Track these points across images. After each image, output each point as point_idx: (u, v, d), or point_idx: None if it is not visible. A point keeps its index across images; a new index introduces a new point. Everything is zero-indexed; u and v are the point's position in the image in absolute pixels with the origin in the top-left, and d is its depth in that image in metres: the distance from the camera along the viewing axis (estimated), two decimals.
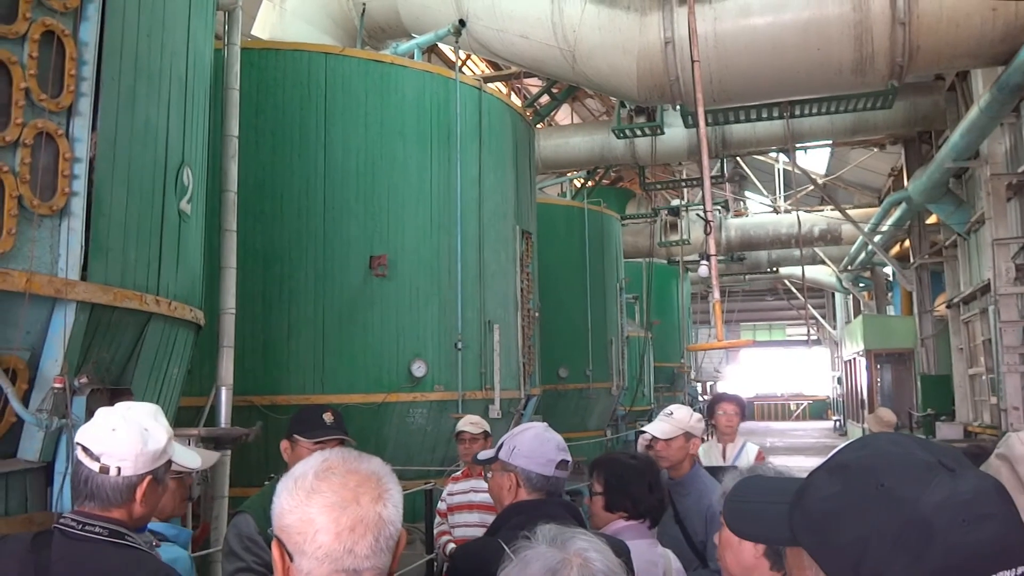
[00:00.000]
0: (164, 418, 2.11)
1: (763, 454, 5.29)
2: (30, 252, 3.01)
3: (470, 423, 5.27)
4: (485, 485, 2.90)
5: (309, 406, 3.29)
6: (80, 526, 1.95)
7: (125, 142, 3.50)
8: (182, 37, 4.07)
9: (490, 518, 2.98)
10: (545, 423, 2.66)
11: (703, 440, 4.29)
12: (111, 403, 3.54)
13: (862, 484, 1.00)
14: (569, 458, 2.53)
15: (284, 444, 3.19)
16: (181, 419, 4.78)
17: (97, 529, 1.95)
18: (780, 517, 1.10)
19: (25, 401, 3.07)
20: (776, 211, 25.17)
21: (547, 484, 2.46)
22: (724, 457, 5.18)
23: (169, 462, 2.10)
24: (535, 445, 2.49)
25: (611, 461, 2.91)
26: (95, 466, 1.97)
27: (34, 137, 3.03)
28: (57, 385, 3.02)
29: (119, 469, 1.97)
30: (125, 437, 1.99)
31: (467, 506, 5.04)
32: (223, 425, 5.35)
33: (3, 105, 2.97)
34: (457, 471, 5.46)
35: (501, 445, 2.56)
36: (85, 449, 1.99)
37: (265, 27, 11.68)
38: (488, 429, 5.34)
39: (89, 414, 3.19)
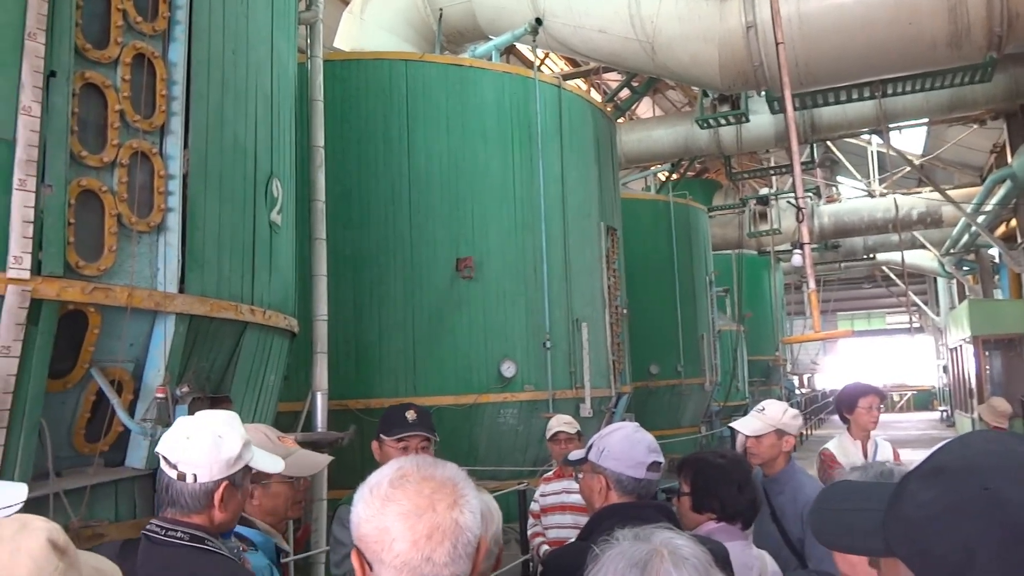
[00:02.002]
0: (240, 425, 2.15)
1: (897, 452, 4.85)
2: (130, 267, 3.12)
3: (565, 423, 5.22)
4: (577, 486, 2.87)
5: (395, 406, 3.32)
6: (163, 531, 2.01)
7: (216, 157, 3.60)
8: (266, 53, 4.17)
9: (583, 519, 2.95)
10: (636, 423, 2.60)
11: (799, 437, 4.07)
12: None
13: (963, 488, 0.92)
14: (661, 459, 2.46)
15: (374, 445, 3.24)
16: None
17: (179, 534, 2.01)
18: (872, 526, 1.03)
19: (131, 411, 3.20)
20: (871, 195, 24.26)
21: (638, 487, 2.41)
22: (866, 455, 4.68)
23: (248, 468, 2.14)
24: (625, 447, 2.44)
25: (697, 461, 2.82)
26: (173, 473, 2.03)
27: (130, 157, 3.15)
28: (160, 395, 3.13)
29: (195, 476, 2.02)
30: (199, 445, 2.04)
31: (560, 507, 5.00)
32: (319, 429, 5.47)
33: (99, 127, 3.09)
34: (549, 471, 5.43)
35: (591, 446, 2.52)
36: (164, 458, 2.05)
37: (346, 38, 11.91)
38: (580, 429, 5.30)
39: None
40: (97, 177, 3.05)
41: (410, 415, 3.19)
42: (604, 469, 2.44)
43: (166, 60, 3.37)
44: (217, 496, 2.04)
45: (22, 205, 2.72)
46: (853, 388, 4.89)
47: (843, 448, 4.71)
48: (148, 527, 2.03)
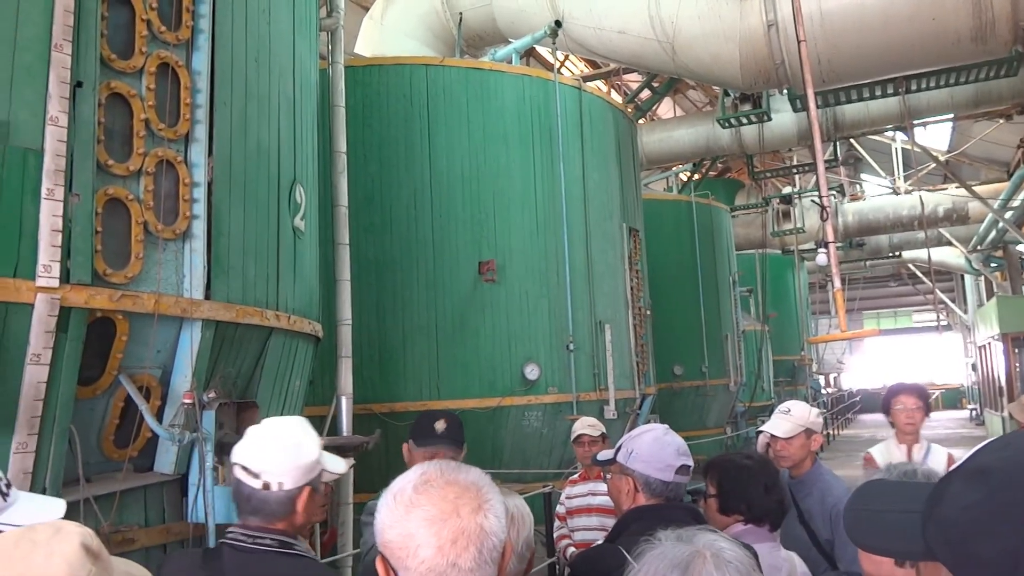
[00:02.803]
0: (312, 429, 2.18)
1: (953, 458, 4.36)
2: (157, 275, 3.16)
3: (588, 425, 5.21)
4: (604, 487, 2.86)
5: (427, 412, 3.32)
6: (251, 539, 2.04)
7: (240, 164, 3.63)
8: (288, 60, 4.20)
9: (610, 521, 2.94)
10: (666, 425, 2.58)
11: (825, 438, 3.97)
12: (238, 416, 3.70)
13: (1009, 489, 0.89)
14: (691, 463, 2.45)
15: (404, 447, 3.22)
16: None
17: (267, 541, 2.04)
18: (911, 528, 0.99)
19: (158, 417, 3.23)
20: (896, 192, 24.02)
21: (666, 489, 2.39)
22: (911, 460, 4.27)
23: (322, 471, 2.17)
24: (654, 449, 2.42)
25: (724, 462, 2.80)
26: (257, 483, 2.05)
27: (155, 165, 3.19)
28: (187, 400, 3.16)
29: (280, 484, 2.05)
30: (281, 454, 2.07)
31: (586, 509, 4.99)
32: (345, 433, 5.50)
33: (125, 136, 3.13)
34: (575, 474, 5.42)
35: (620, 447, 2.51)
36: (245, 468, 2.07)
37: (367, 44, 11.97)
38: (605, 431, 5.28)
39: (218, 427, 3.34)
40: (123, 185, 3.09)
41: (439, 425, 3.17)
42: (632, 471, 2.43)
43: (190, 69, 3.40)
44: (300, 502, 2.07)
45: (50, 214, 2.75)
46: (892, 387, 4.62)
47: (887, 452, 4.46)
48: (231, 535, 2.06)
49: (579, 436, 5.18)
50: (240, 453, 2.10)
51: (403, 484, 1.35)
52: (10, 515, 1.81)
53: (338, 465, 2.25)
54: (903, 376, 40.74)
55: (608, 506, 4.04)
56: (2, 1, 2.72)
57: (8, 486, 1.85)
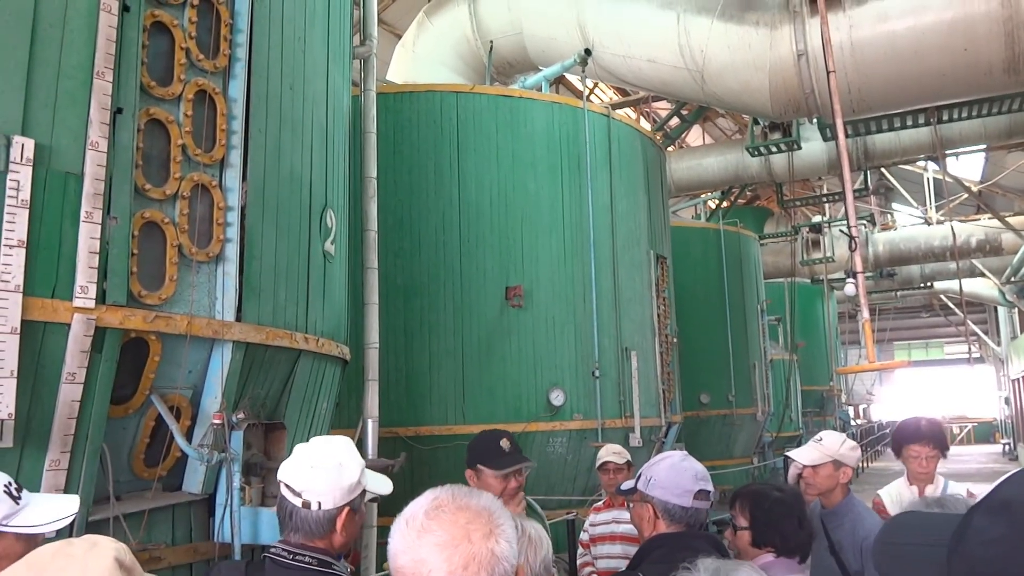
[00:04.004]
0: (356, 451, 2.22)
1: (972, 495, 3.93)
2: (190, 296, 3.22)
3: (613, 453, 5.19)
4: (627, 515, 2.86)
5: (484, 433, 3.29)
6: (291, 556, 2.10)
7: (273, 189, 3.70)
8: (322, 87, 4.28)
9: (633, 549, 2.93)
10: (684, 452, 2.59)
11: (856, 470, 3.87)
12: (266, 438, 3.74)
13: None
14: (710, 488, 2.45)
15: (468, 473, 3.18)
16: None
17: (307, 559, 2.10)
18: (937, 562, 0.99)
19: (188, 437, 3.27)
20: (928, 223, 23.80)
21: (686, 515, 2.39)
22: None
23: (363, 492, 2.21)
24: (672, 475, 2.43)
25: (756, 494, 2.78)
26: (298, 501, 2.12)
27: (191, 189, 3.26)
28: (217, 421, 3.20)
29: (320, 504, 2.11)
30: (323, 474, 2.13)
31: (609, 537, 4.96)
32: (370, 456, 5.52)
33: (162, 161, 3.21)
34: (599, 501, 5.40)
35: (640, 475, 2.52)
36: (288, 486, 2.13)
37: (399, 70, 12.14)
38: (630, 458, 5.26)
39: (246, 448, 3.38)
40: (160, 209, 3.16)
41: (505, 444, 3.15)
42: (652, 498, 2.44)
43: (226, 96, 3.48)
44: (340, 521, 2.13)
45: (88, 236, 2.82)
46: (903, 429, 4.28)
47: (897, 496, 4.23)
48: (273, 551, 2.13)
49: (604, 463, 5.16)
50: (285, 471, 2.17)
51: (415, 509, 1.36)
52: (25, 516, 1.86)
53: (382, 486, 2.29)
54: (928, 408, 40.02)
55: (632, 534, 4.03)
56: (47, 29, 2.81)
57: (19, 490, 1.90)
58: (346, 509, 2.13)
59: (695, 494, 2.41)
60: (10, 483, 1.90)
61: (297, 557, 2.09)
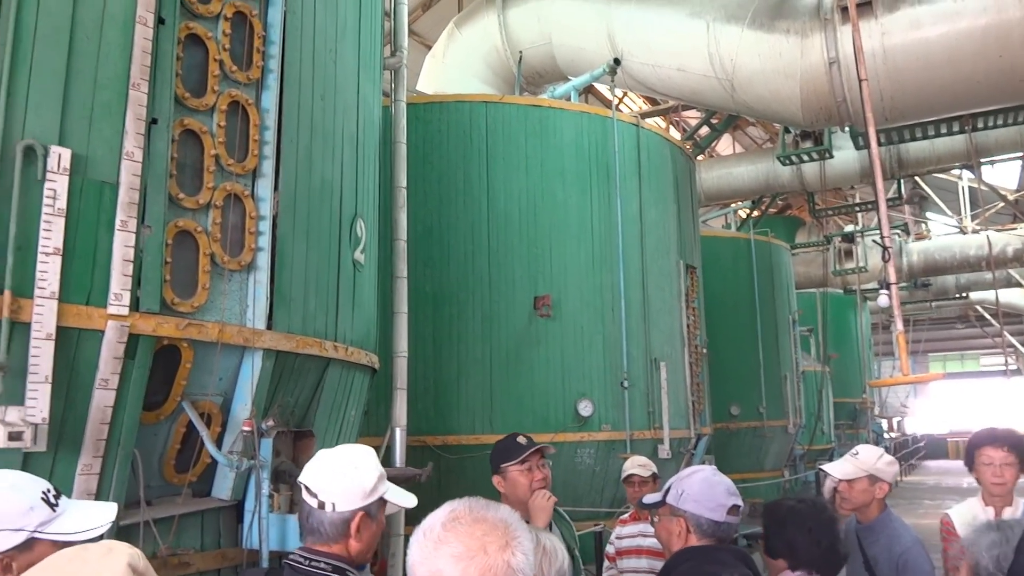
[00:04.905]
0: (376, 458, 2.24)
1: None
2: (222, 305, 3.25)
3: (639, 465, 5.15)
4: (653, 529, 2.83)
5: (500, 440, 3.35)
6: (307, 562, 2.11)
7: (304, 199, 3.74)
8: (352, 98, 4.32)
9: (659, 564, 2.90)
10: (714, 467, 2.56)
11: (893, 484, 3.73)
12: (295, 445, 3.76)
13: None
14: (741, 503, 2.42)
15: (496, 480, 3.24)
16: None
17: (321, 565, 2.11)
18: None
19: (218, 443, 3.30)
20: (963, 232, 23.45)
21: (718, 530, 2.37)
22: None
23: (382, 500, 2.22)
24: (705, 489, 2.41)
25: (774, 505, 2.76)
26: (314, 502, 2.14)
27: (224, 199, 3.30)
28: (246, 428, 3.23)
29: (333, 505, 2.12)
30: (337, 475, 2.15)
31: (636, 551, 4.92)
32: (398, 465, 5.53)
33: (196, 171, 3.25)
34: (625, 513, 5.36)
35: (668, 488, 2.49)
36: (306, 487, 2.16)
37: (429, 80, 12.22)
38: (656, 471, 5.22)
39: (275, 455, 3.40)
40: (193, 218, 3.20)
41: (521, 439, 3.23)
42: (684, 512, 2.41)
43: (259, 107, 3.52)
44: (353, 525, 2.13)
45: (123, 245, 2.87)
46: (978, 434, 3.80)
47: (971, 517, 3.65)
48: (292, 557, 2.15)
49: (629, 476, 5.12)
50: (305, 473, 2.19)
51: (433, 521, 1.38)
52: (60, 524, 1.89)
53: (406, 500, 2.30)
54: (979, 421, 39.07)
55: (658, 548, 4.00)
56: (84, 41, 2.87)
57: (57, 496, 1.93)
58: (360, 513, 2.13)
59: (728, 509, 2.38)
60: (48, 490, 1.92)
61: (313, 563, 2.10)
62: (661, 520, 2.50)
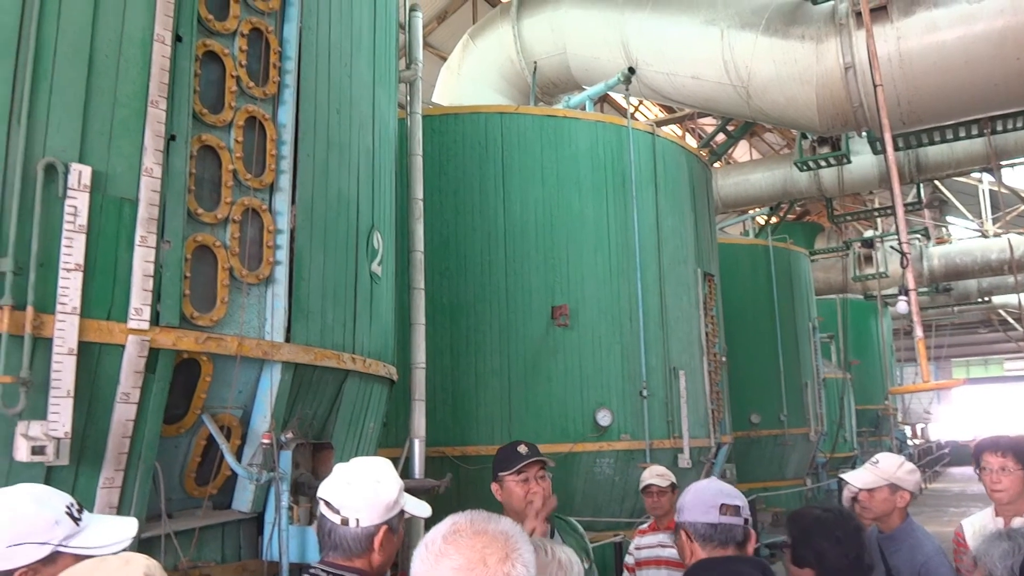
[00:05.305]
0: (394, 471, 2.24)
1: None
2: (240, 318, 3.28)
3: (657, 475, 5.11)
4: (672, 540, 2.84)
5: (503, 446, 3.32)
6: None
7: (321, 212, 3.76)
8: (368, 111, 4.35)
9: (679, 575, 2.90)
10: (711, 476, 2.57)
11: (915, 494, 3.66)
12: (314, 457, 3.78)
13: None
14: (737, 503, 2.40)
15: (494, 487, 3.20)
16: None
17: None
18: None
19: (238, 456, 3.32)
20: (984, 235, 23.25)
21: (715, 532, 2.35)
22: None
23: (402, 512, 2.22)
24: (695, 496, 2.45)
25: (799, 513, 2.76)
26: (336, 518, 2.14)
27: (241, 213, 3.33)
28: (266, 441, 3.25)
29: (357, 520, 2.12)
30: (360, 490, 2.15)
31: (655, 562, 4.89)
32: (417, 476, 5.54)
33: (214, 186, 3.29)
34: (645, 524, 5.33)
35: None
36: (327, 503, 2.15)
37: (444, 92, 12.27)
38: (675, 480, 5.19)
39: (294, 467, 3.42)
40: (211, 233, 3.23)
41: (522, 448, 3.17)
42: (683, 523, 2.44)
43: (276, 122, 3.56)
44: (377, 540, 2.14)
45: (143, 260, 2.90)
46: (982, 440, 3.84)
47: (981, 528, 3.69)
48: (312, 571, 2.15)
49: (648, 486, 5.09)
50: (324, 489, 2.18)
51: (435, 534, 1.39)
52: (84, 538, 1.91)
53: (421, 510, 2.30)
54: (992, 427, 38.65)
55: (677, 559, 3.98)
56: (103, 60, 2.91)
57: (80, 511, 1.95)
58: (384, 528, 2.14)
59: (720, 507, 2.36)
60: (72, 504, 1.95)
61: None
62: (677, 538, 2.53)
